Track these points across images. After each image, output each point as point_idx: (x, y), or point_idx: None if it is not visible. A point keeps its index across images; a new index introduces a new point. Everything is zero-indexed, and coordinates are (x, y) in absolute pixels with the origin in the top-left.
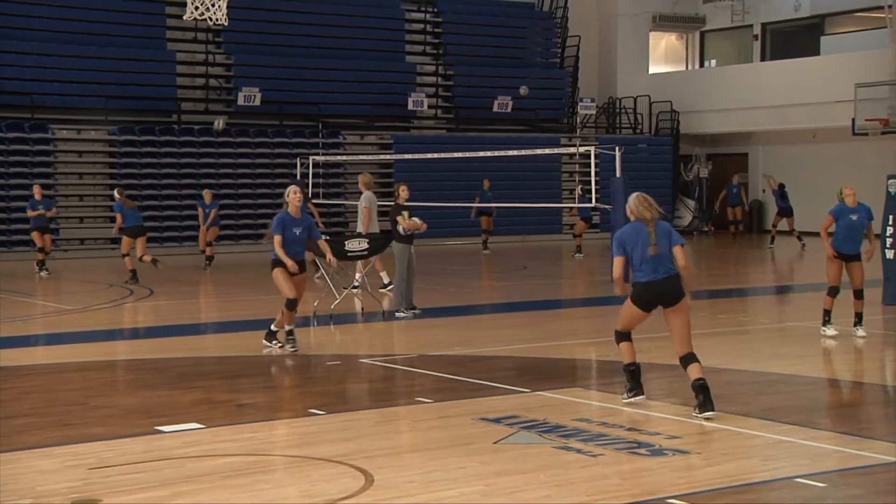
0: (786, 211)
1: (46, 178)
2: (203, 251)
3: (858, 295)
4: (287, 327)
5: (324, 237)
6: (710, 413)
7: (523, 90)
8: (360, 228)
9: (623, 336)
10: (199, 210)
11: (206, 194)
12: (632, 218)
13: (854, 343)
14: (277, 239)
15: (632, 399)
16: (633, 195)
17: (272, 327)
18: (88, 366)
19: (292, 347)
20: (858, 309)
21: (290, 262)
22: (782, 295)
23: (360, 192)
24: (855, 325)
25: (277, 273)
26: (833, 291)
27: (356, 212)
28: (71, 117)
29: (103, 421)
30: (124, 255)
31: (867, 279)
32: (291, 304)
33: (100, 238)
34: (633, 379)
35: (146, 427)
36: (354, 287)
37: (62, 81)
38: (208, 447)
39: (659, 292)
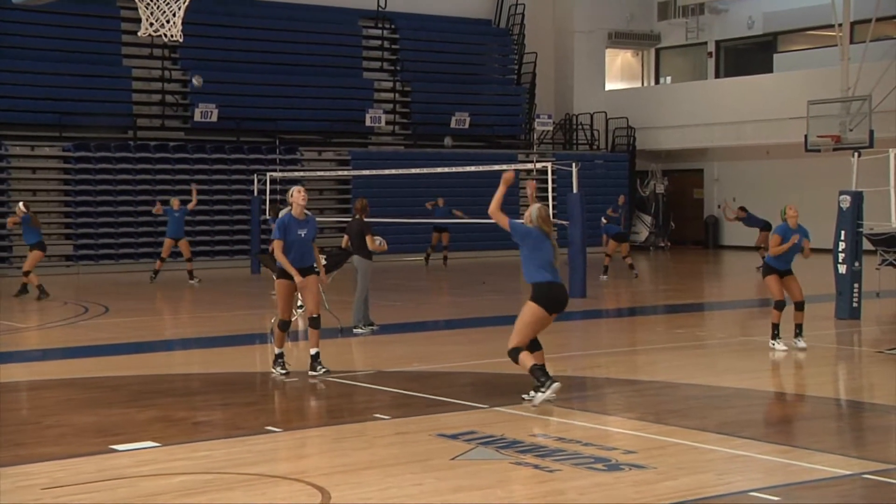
0: (766, 225)
1: None
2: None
3: (800, 307)
4: (276, 350)
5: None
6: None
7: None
8: None
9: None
10: (167, 218)
11: (174, 202)
12: (529, 225)
13: (804, 357)
14: (278, 244)
15: (549, 390)
16: (537, 206)
17: (275, 350)
18: (41, 384)
19: (283, 372)
20: (799, 321)
21: (293, 271)
22: (739, 310)
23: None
24: (796, 336)
25: (279, 286)
26: (779, 305)
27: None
28: (25, 133)
29: (56, 440)
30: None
31: (821, 293)
32: (283, 326)
33: (54, 255)
34: (544, 373)
35: (100, 446)
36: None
37: (15, 97)
38: (164, 466)
39: (560, 294)
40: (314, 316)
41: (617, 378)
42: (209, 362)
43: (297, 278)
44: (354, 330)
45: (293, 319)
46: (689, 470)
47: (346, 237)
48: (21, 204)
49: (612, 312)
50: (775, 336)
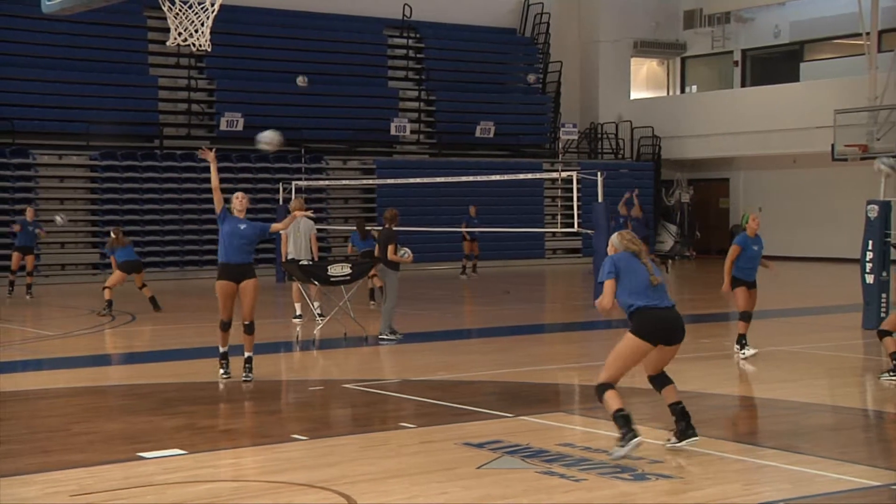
0: None
1: (27, 204)
2: None
3: (747, 318)
4: (221, 349)
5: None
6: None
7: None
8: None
9: (609, 386)
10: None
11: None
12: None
13: (831, 367)
14: (217, 191)
15: (629, 446)
16: (617, 234)
17: (220, 349)
18: (69, 392)
19: (224, 374)
20: (743, 330)
21: (214, 170)
22: (765, 319)
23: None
24: (739, 343)
25: (217, 287)
26: (745, 316)
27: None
28: (52, 142)
29: (84, 447)
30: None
31: (848, 303)
32: (224, 326)
33: (81, 263)
34: (627, 423)
35: (128, 453)
36: (320, 316)
37: (43, 107)
38: (190, 473)
39: (669, 321)
40: (247, 322)
41: (643, 388)
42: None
43: (210, 157)
44: (381, 338)
45: (300, 323)
46: (715, 480)
47: (376, 246)
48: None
49: None
50: (744, 345)
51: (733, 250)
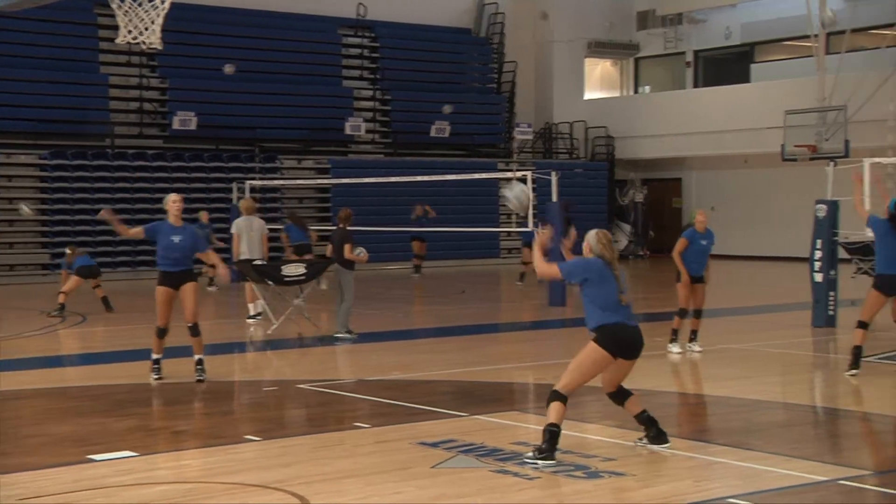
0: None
1: None
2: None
3: (698, 314)
4: (154, 356)
5: (212, 248)
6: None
7: (446, 109)
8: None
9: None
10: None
11: (203, 216)
12: (590, 255)
13: (781, 364)
14: (137, 231)
15: (653, 447)
16: (595, 232)
17: (153, 355)
18: (19, 394)
19: (156, 377)
20: (696, 327)
21: (132, 230)
22: (717, 318)
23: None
24: (690, 340)
25: (157, 293)
26: (682, 313)
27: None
28: (0, 141)
29: (34, 450)
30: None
31: (797, 302)
32: (160, 333)
33: (30, 264)
34: (553, 440)
35: (78, 456)
36: (257, 315)
37: None
38: (143, 475)
39: (631, 338)
40: (191, 324)
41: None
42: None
43: (121, 228)
44: (336, 338)
45: (254, 323)
46: (667, 477)
47: (329, 246)
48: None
49: None
50: (673, 340)
51: (681, 243)
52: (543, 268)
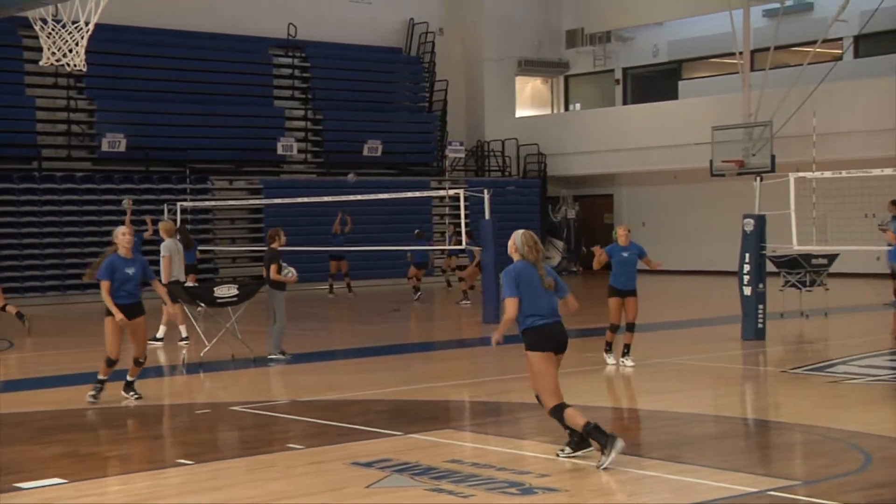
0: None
1: None
2: None
3: (631, 328)
4: (100, 377)
5: (158, 279)
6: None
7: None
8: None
9: (561, 408)
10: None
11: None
12: (516, 257)
13: (711, 377)
14: (105, 285)
15: (576, 455)
16: (520, 232)
17: (98, 376)
18: None
19: (93, 396)
20: (629, 341)
21: (118, 315)
22: (650, 332)
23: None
24: (623, 355)
25: (107, 323)
26: (614, 328)
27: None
28: None
29: None
30: None
31: (726, 315)
32: (109, 363)
33: None
34: (601, 432)
35: (4, 485)
36: (186, 338)
37: None
38: (72, 503)
39: (558, 334)
40: (140, 360)
41: (530, 402)
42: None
43: (118, 316)
44: (270, 359)
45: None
46: (600, 492)
47: (264, 267)
48: None
49: None
50: (608, 351)
51: (603, 257)
52: (505, 318)
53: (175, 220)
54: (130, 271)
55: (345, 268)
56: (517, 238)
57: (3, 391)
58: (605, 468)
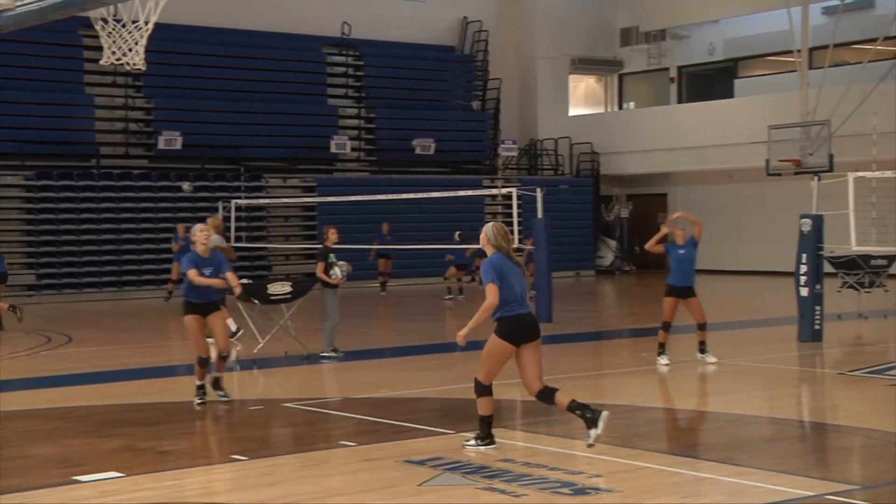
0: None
1: None
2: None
3: (702, 328)
4: (197, 382)
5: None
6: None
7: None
8: None
9: (488, 389)
10: (174, 244)
11: (180, 228)
12: (490, 249)
13: (768, 379)
14: (192, 273)
15: (481, 447)
16: (490, 224)
17: (196, 382)
18: (2, 415)
19: (199, 401)
20: (702, 338)
21: (213, 281)
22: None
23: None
24: (701, 352)
25: (189, 321)
26: (667, 326)
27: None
28: None
29: (17, 472)
30: None
31: (783, 316)
32: (202, 362)
33: (16, 284)
34: (489, 426)
35: (63, 477)
36: (235, 333)
37: None
38: (128, 496)
39: (529, 325)
40: (224, 354)
41: (583, 402)
42: (173, 391)
43: (215, 281)
44: (322, 357)
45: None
46: (654, 493)
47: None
48: None
49: (578, 336)
50: (661, 353)
51: (661, 237)
52: (485, 304)
53: (228, 218)
54: (207, 272)
55: (388, 266)
56: (489, 230)
57: (65, 385)
58: (471, 448)
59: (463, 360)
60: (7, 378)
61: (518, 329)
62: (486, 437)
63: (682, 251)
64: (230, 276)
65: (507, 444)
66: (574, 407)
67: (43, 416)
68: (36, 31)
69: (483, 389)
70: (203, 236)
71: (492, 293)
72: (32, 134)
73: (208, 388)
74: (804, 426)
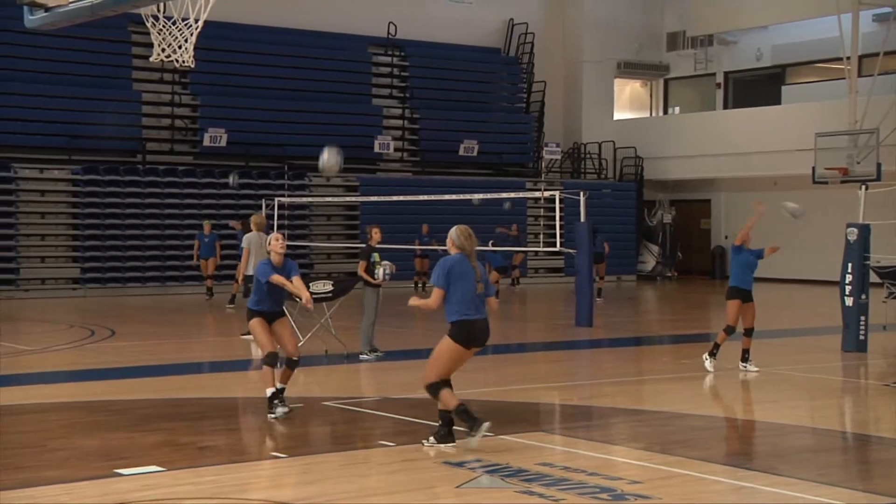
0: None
1: (8, 218)
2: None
3: (749, 333)
4: (269, 390)
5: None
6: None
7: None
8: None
9: (442, 384)
10: (197, 242)
11: (206, 226)
12: (453, 250)
13: (812, 389)
14: (277, 278)
15: (440, 446)
16: (455, 227)
17: (267, 392)
18: (46, 407)
19: (284, 409)
20: (747, 346)
21: (290, 287)
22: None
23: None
24: (744, 360)
25: (255, 324)
26: (730, 330)
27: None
28: (34, 156)
29: (60, 464)
30: None
31: (828, 325)
32: (270, 359)
33: (61, 278)
34: (470, 415)
35: (104, 470)
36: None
37: (25, 120)
38: (168, 490)
39: (482, 331)
40: (294, 359)
41: (622, 408)
42: (215, 387)
43: (305, 296)
44: (361, 356)
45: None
46: (693, 500)
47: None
48: None
49: (618, 342)
50: (713, 354)
51: (756, 218)
52: (428, 302)
53: (271, 216)
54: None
55: (426, 266)
56: (453, 233)
57: (107, 378)
58: (470, 448)
59: (503, 362)
60: (50, 370)
61: (471, 334)
62: (472, 424)
63: (752, 255)
64: (298, 281)
65: (546, 448)
66: (460, 411)
67: (86, 408)
68: (86, 27)
69: (437, 386)
70: (278, 245)
71: (435, 297)
72: (79, 129)
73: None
74: (847, 437)
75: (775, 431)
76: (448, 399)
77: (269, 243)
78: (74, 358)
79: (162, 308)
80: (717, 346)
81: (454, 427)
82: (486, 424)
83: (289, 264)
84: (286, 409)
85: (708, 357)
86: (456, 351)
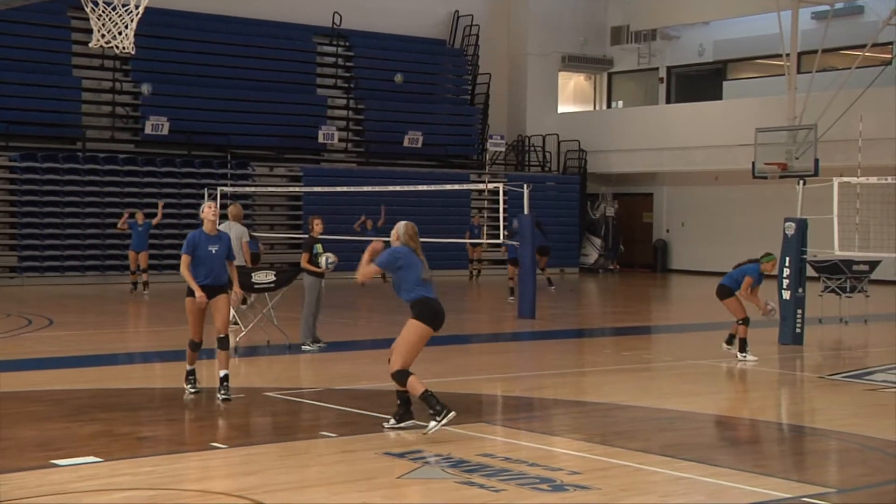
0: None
1: None
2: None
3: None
4: (188, 367)
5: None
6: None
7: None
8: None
9: (407, 372)
10: (131, 232)
11: (139, 215)
12: (396, 244)
13: (748, 381)
14: (185, 259)
15: (402, 425)
16: (403, 223)
17: (186, 367)
18: None
19: (193, 389)
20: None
21: (197, 292)
22: (686, 333)
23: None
24: (728, 343)
25: (188, 304)
26: (746, 321)
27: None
28: None
29: None
30: None
31: (764, 318)
32: (194, 346)
33: None
34: (436, 400)
35: (41, 460)
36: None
37: None
38: (106, 481)
39: (441, 311)
40: (222, 336)
41: (564, 399)
42: (154, 377)
43: (199, 294)
44: (302, 347)
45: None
46: (632, 491)
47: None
48: None
49: (561, 333)
50: (743, 351)
51: (747, 281)
52: (365, 270)
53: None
54: (214, 249)
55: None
56: (400, 228)
57: (45, 368)
58: (429, 433)
59: (447, 354)
60: None
61: (436, 312)
62: (440, 410)
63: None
64: (232, 267)
65: (488, 440)
66: (427, 396)
67: (22, 398)
68: (24, 11)
69: (405, 374)
70: (211, 212)
71: (370, 269)
72: (18, 115)
73: (198, 377)
74: (783, 429)
75: (713, 422)
76: (416, 386)
77: (203, 211)
78: (11, 347)
79: (102, 297)
80: (743, 342)
81: (411, 406)
82: (453, 414)
83: (224, 236)
84: (194, 390)
85: (739, 353)
86: (426, 332)
